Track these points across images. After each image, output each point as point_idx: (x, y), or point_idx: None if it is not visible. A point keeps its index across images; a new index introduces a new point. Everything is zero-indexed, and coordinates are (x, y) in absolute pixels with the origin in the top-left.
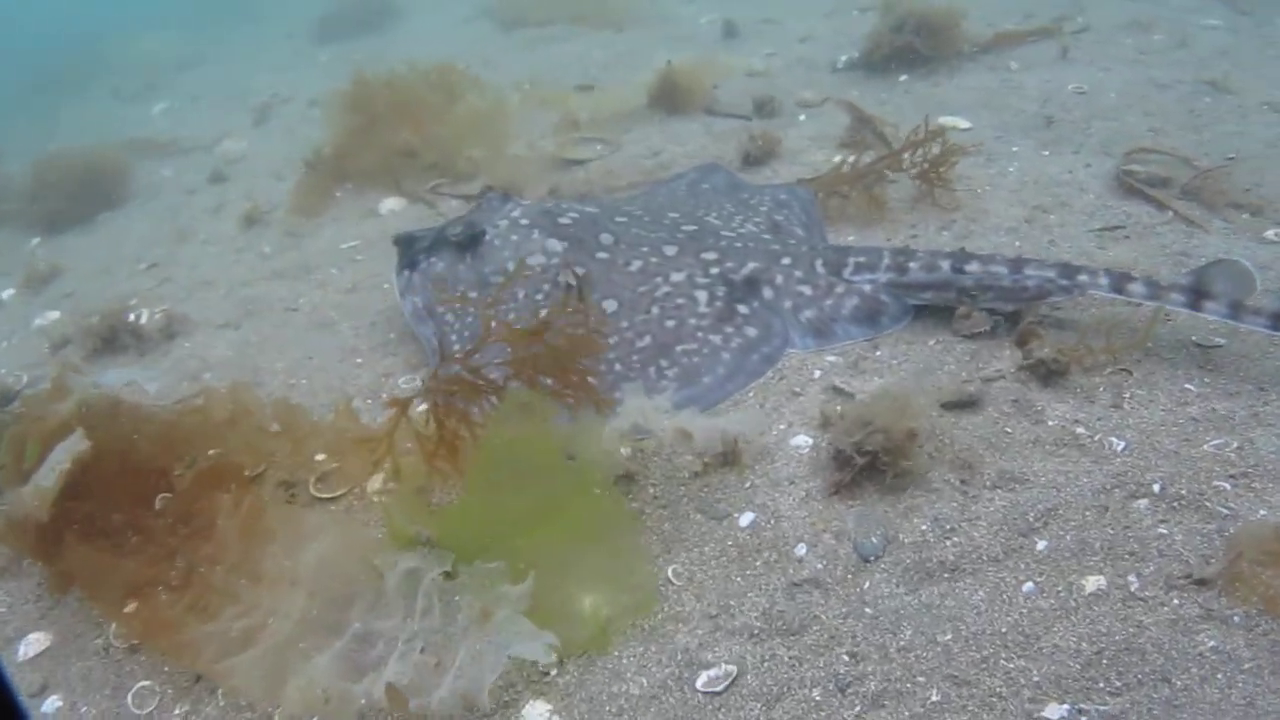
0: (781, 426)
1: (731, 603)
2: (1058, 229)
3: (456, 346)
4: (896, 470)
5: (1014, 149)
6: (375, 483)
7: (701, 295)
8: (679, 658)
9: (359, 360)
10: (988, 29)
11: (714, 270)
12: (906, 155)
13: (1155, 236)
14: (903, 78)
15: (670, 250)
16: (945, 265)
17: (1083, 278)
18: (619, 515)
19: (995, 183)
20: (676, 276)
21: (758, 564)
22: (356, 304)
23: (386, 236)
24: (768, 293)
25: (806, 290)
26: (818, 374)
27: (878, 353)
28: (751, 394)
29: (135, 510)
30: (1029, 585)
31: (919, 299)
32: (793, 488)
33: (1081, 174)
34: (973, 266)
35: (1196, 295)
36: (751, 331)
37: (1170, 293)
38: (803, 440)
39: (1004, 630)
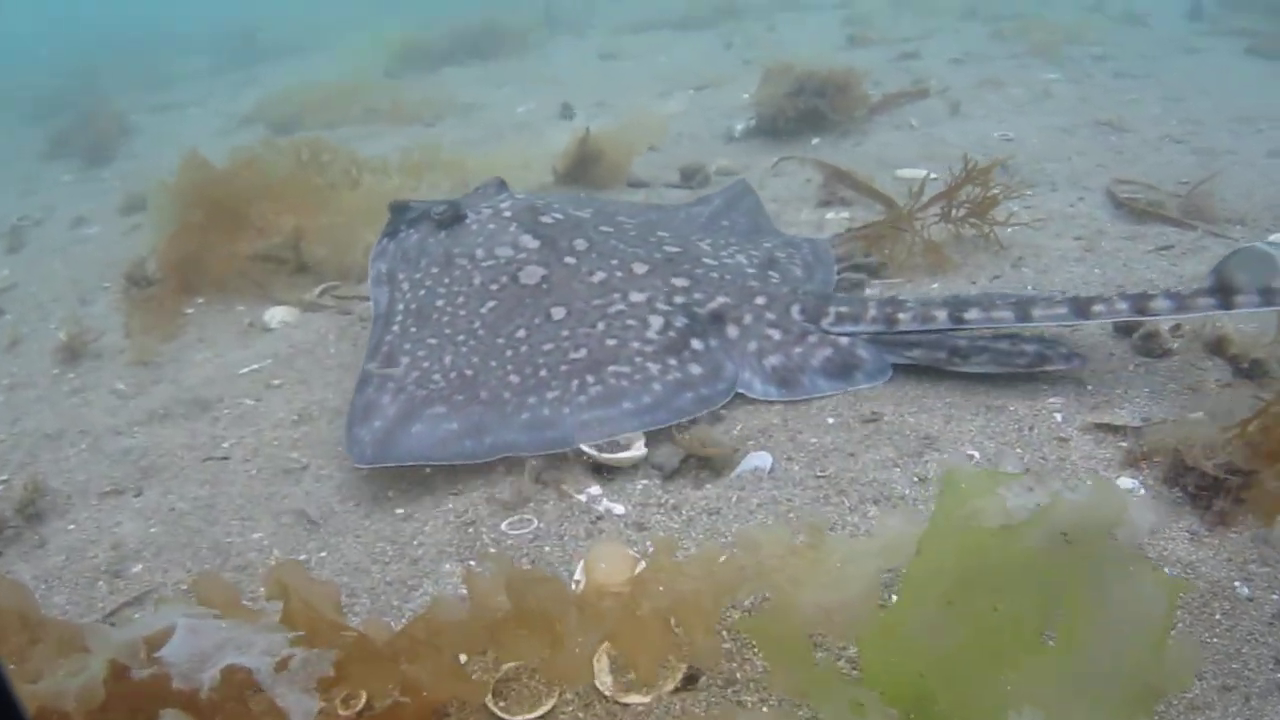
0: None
1: (1234, 665)
2: (1122, 254)
3: (400, 312)
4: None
5: (993, 191)
6: (604, 675)
7: (656, 321)
8: None
9: (399, 510)
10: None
11: (678, 299)
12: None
13: (1206, 250)
14: (815, 140)
15: (640, 268)
16: (942, 315)
17: (1098, 308)
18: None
19: (1018, 219)
20: (636, 296)
21: (1216, 617)
22: (323, 438)
23: (302, 352)
24: (733, 331)
25: (775, 335)
26: (1059, 418)
27: (1089, 387)
28: (1018, 452)
29: None
30: None
31: (905, 357)
32: (1170, 531)
33: (1082, 206)
34: (972, 313)
35: (1224, 294)
36: (695, 370)
37: (1197, 299)
38: (1130, 483)
39: None
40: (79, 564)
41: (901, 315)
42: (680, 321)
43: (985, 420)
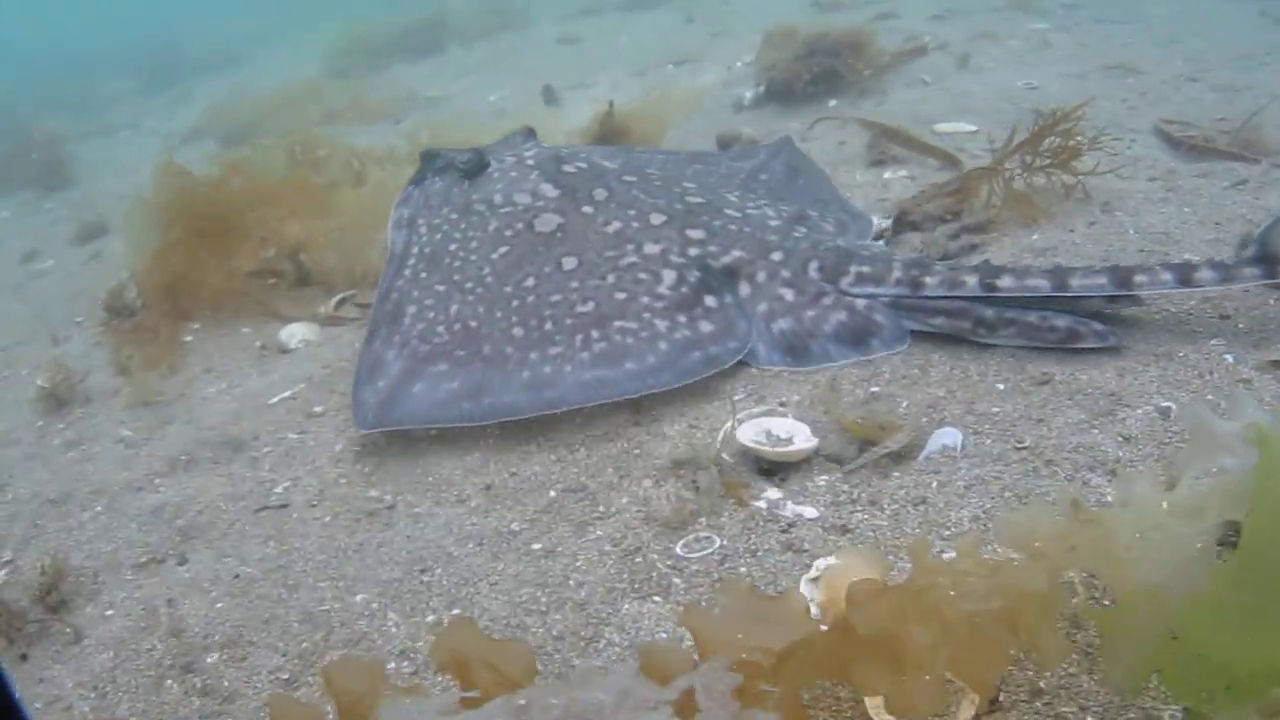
0: None
1: None
2: (1203, 192)
3: (414, 255)
4: None
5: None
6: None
7: (669, 275)
8: None
9: (536, 546)
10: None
11: (693, 251)
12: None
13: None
14: (832, 102)
15: (657, 219)
16: (972, 280)
17: (1140, 278)
18: None
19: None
20: (650, 248)
21: None
22: (404, 469)
23: (338, 372)
24: (745, 289)
25: (789, 295)
26: (1230, 359)
27: (1240, 325)
28: (1210, 399)
29: None
30: None
31: (927, 325)
32: None
33: (1139, 149)
34: (1005, 281)
35: (1268, 263)
36: (706, 327)
37: (1242, 269)
38: None
39: None
40: (135, 661)
41: (929, 279)
42: (694, 275)
43: (1160, 369)
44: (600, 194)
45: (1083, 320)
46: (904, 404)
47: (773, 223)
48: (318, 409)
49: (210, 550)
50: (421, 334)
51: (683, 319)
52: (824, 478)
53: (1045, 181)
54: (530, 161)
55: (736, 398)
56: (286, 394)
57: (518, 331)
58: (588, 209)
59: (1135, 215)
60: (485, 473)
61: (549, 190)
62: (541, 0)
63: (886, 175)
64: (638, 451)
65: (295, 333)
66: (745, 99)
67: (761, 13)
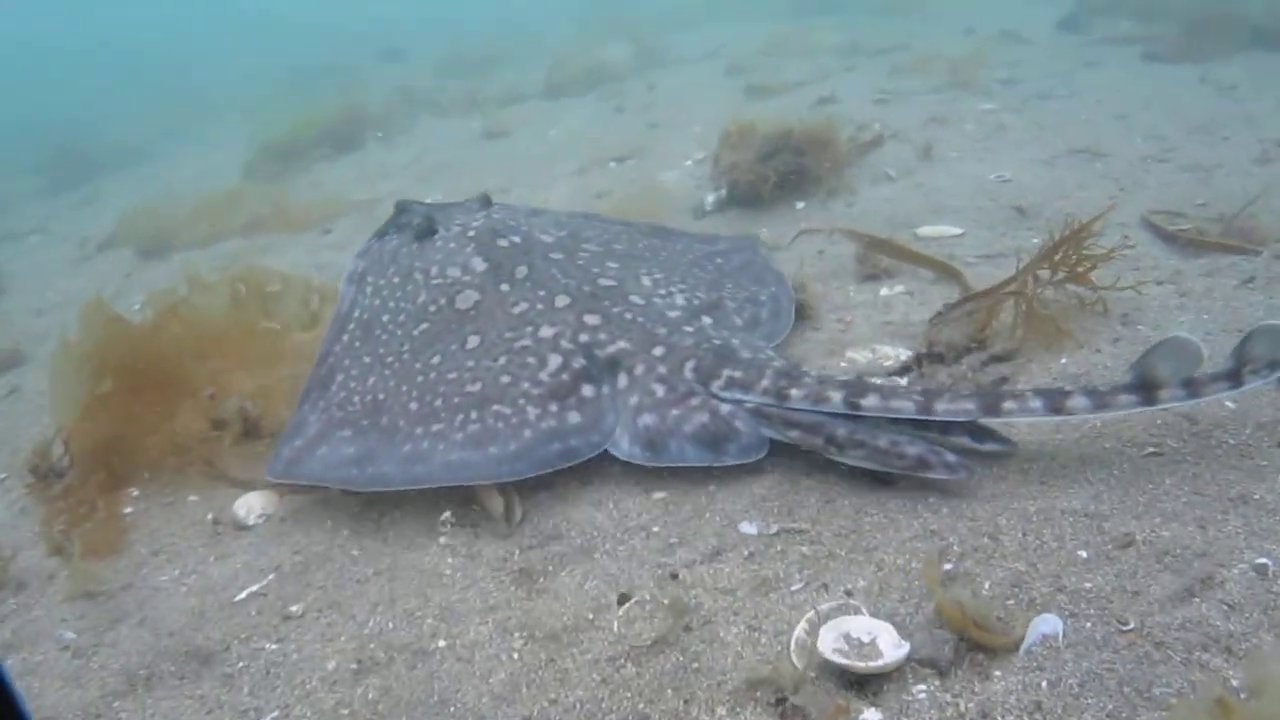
0: None
1: None
2: (1215, 293)
3: (354, 320)
4: None
5: (1034, 240)
6: None
7: (554, 360)
8: None
9: None
10: None
11: (583, 338)
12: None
13: None
14: (800, 205)
15: (561, 301)
16: (837, 396)
17: (1009, 405)
18: None
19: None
20: (546, 331)
21: None
22: (416, 695)
23: (314, 559)
24: (623, 380)
25: (659, 391)
26: None
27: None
28: None
29: None
30: None
31: (784, 436)
32: None
33: (1139, 248)
34: (870, 400)
35: (1146, 390)
36: (574, 419)
37: (1117, 396)
38: None
39: None
40: None
41: (794, 391)
42: (578, 363)
43: (1241, 518)
44: (521, 271)
45: (934, 449)
46: (986, 584)
47: (671, 314)
48: (294, 608)
49: None
50: (340, 402)
51: (554, 408)
52: (921, 688)
53: (1055, 294)
54: (471, 233)
55: (794, 588)
56: (254, 588)
57: (413, 406)
58: (505, 287)
59: (1158, 328)
60: (518, 700)
61: (478, 265)
62: (460, 89)
63: (884, 292)
64: (696, 665)
65: (252, 506)
66: (707, 203)
67: (691, 100)
